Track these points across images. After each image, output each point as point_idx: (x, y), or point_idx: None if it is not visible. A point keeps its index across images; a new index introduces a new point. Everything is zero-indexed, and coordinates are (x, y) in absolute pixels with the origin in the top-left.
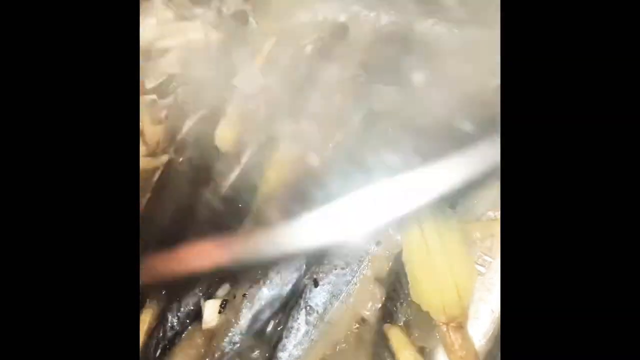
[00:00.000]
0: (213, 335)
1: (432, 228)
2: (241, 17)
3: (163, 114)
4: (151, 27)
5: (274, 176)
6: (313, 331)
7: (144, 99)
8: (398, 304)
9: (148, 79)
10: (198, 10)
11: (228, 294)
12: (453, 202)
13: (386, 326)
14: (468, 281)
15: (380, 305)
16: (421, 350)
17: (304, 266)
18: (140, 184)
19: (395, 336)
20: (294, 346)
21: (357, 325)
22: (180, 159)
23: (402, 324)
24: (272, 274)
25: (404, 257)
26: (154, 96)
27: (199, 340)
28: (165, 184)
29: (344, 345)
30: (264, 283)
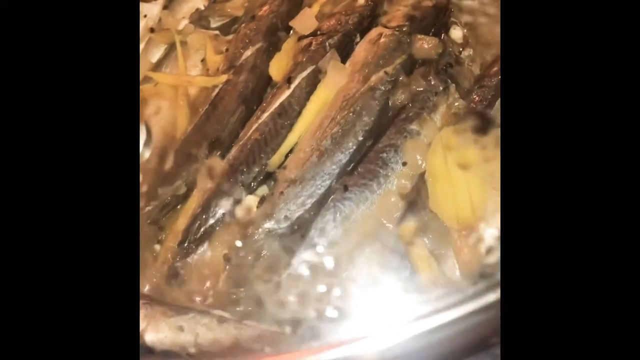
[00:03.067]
0: (249, 225)
1: (454, 151)
2: None
3: (224, 47)
4: None
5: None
6: (339, 227)
7: (209, 33)
8: (416, 212)
9: (213, 19)
10: None
11: (266, 193)
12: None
13: (403, 226)
14: (482, 198)
15: (400, 214)
16: (432, 252)
17: (336, 174)
18: (200, 98)
19: (409, 232)
20: (320, 239)
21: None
22: (238, 80)
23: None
24: (307, 177)
25: (426, 175)
26: (217, 32)
27: (236, 228)
28: (222, 98)
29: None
30: (300, 184)
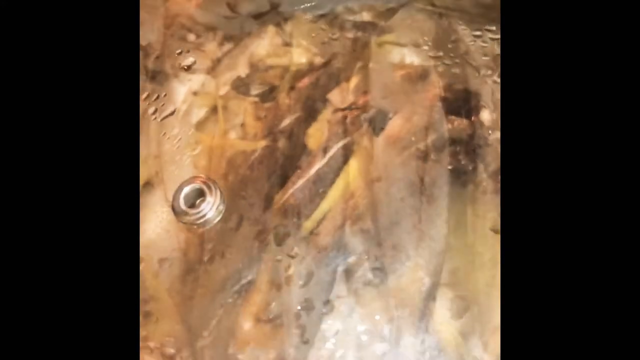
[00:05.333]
0: (280, 286)
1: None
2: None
3: (263, 113)
4: (264, 46)
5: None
6: (367, 296)
7: (248, 100)
8: (442, 287)
9: (254, 86)
10: (303, 42)
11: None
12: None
13: (430, 300)
14: None
15: (426, 288)
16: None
17: (367, 243)
18: (238, 161)
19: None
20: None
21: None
22: (276, 146)
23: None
24: (339, 244)
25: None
26: (257, 99)
27: (267, 288)
28: (261, 162)
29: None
30: (331, 251)
